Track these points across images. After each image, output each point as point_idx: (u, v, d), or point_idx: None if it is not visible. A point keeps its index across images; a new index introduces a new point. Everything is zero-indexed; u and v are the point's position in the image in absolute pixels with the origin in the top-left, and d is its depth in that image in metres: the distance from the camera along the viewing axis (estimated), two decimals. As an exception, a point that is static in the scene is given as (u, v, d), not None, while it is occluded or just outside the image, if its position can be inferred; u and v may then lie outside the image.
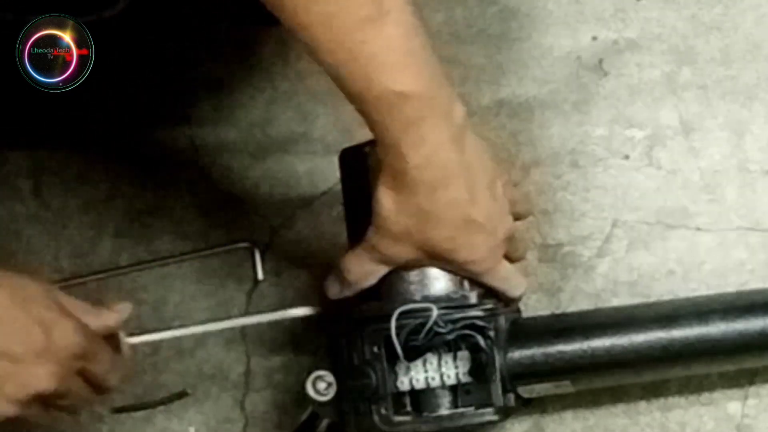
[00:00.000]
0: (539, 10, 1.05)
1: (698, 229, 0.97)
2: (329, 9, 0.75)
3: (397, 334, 0.82)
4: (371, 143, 0.85)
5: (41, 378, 0.72)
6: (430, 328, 0.82)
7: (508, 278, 0.87)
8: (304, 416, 0.88)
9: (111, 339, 0.82)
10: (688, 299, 0.89)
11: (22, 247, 1.08)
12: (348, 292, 0.86)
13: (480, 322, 0.84)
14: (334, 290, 0.87)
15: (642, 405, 0.91)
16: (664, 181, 0.99)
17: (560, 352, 0.85)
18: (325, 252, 1.02)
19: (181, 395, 0.98)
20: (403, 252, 0.83)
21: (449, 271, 0.85)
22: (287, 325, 0.98)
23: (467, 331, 0.83)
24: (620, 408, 0.91)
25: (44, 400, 0.75)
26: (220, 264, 1.04)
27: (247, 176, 1.06)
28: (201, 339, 1.00)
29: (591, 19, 1.04)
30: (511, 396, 0.85)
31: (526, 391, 0.86)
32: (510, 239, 0.86)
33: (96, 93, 1.05)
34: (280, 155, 1.06)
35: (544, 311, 0.97)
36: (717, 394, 0.91)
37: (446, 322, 0.83)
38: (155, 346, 1.01)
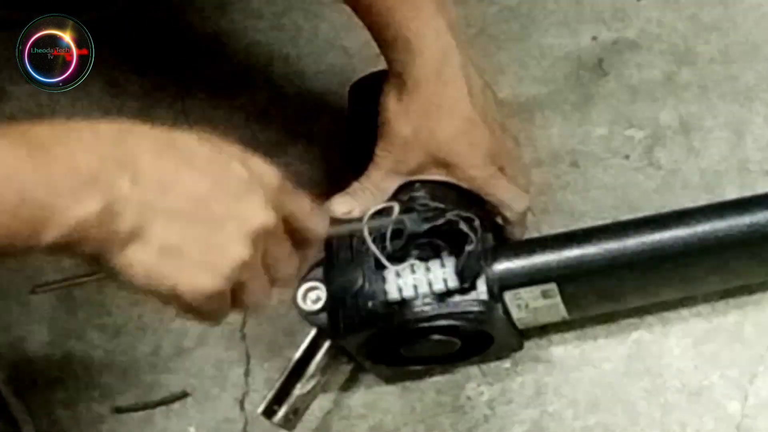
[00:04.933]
0: (539, 10, 1.06)
1: (698, 229, 0.97)
2: None
3: (381, 239, 0.84)
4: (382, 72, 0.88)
5: (257, 210, 0.70)
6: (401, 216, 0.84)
7: (509, 189, 0.89)
8: (304, 344, 0.88)
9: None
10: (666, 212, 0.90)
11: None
12: (357, 213, 0.86)
13: (464, 213, 0.85)
14: (343, 208, 0.86)
15: (642, 405, 0.91)
16: (664, 181, 0.99)
17: (546, 260, 0.86)
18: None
19: (181, 395, 0.98)
20: (411, 155, 0.86)
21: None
22: (287, 325, 0.98)
23: (450, 216, 0.84)
24: (620, 408, 0.91)
25: (247, 268, 0.70)
26: (220, 264, 1.04)
27: (247, 176, 1.06)
28: (201, 339, 1.00)
29: (591, 19, 1.04)
30: (499, 306, 0.86)
31: (514, 302, 0.86)
32: (509, 155, 0.89)
33: (95, 92, 1.06)
34: (280, 155, 1.05)
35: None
36: (717, 394, 0.91)
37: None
38: (155, 345, 1.01)
